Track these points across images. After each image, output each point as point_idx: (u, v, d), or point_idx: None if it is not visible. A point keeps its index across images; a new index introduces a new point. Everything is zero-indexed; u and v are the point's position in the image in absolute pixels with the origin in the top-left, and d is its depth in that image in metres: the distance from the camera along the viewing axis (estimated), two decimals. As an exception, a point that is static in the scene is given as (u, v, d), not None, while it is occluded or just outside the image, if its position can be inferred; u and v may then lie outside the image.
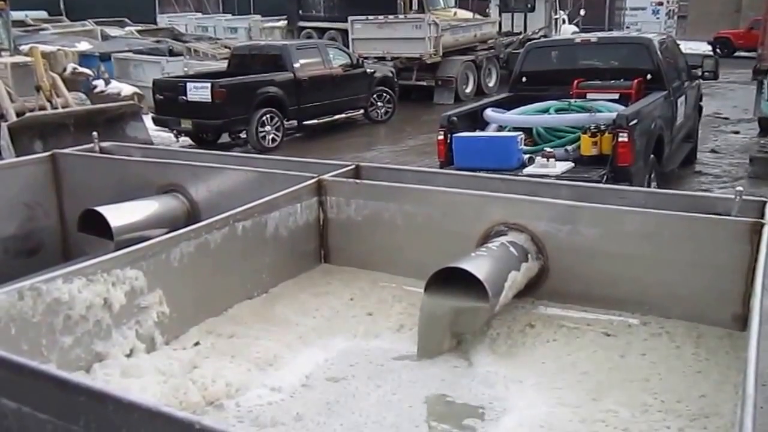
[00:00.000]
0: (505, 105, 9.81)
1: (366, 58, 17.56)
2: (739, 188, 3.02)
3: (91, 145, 4.57)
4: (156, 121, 14.53)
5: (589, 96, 9.46)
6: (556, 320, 3.08)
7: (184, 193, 4.10)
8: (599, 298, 3.10)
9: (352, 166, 3.86)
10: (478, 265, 2.94)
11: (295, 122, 15.24)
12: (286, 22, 26.25)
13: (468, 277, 2.84)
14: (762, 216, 2.91)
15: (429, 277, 2.92)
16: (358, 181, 3.70)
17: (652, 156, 8.79)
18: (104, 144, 4.64)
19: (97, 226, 3.84)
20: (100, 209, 3.80)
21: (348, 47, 18.21)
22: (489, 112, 9.42)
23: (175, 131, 14.76)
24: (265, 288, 3.45)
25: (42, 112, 11.86)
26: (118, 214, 3.86)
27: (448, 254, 3.06)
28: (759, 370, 1.74)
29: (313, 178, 3.63)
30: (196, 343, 2.98)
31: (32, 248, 4.45)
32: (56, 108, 12.61)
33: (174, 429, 1.58)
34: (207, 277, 3.14)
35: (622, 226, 3.06)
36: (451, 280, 2.91)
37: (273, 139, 14.41)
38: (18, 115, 12.06)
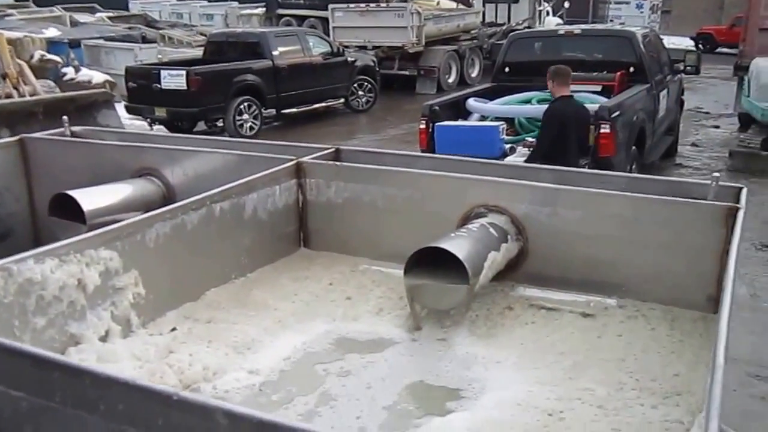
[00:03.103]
0: (488, 95, 9.88)
1: (347, 46, 17.54)
2: (716, 174, 3.12)
3: (62, 129, 4.55)
4: (129, 110, 14.40)
5: (572, 88, 9.52)
6: (535, 302, 3.16)
7: (159, 176, 4.10)
8: (578, 280, 3.18)
9: (333, 149, 3.90)
10: (458, 245, 3.00)
11: (273, 111, 15.21)
12: (264, 9, 26.13)
13: (448, 257, 2.90)
14: (737, 201, 2.99)
15: (408, 258, 2.97)
16: (338, 163, 3.74)
17: (633, 148, 8.92)
18: (75, 128, 4.62)
19: (69, 210, 3.82)
20: (72, 192, 3.78)
21: (328, 35, 18.17)
22: (471, 102, 9.48)
23: (149, 119, 14.68)
24: (243, 272, 3.48)
25: (9, 100, 11.72)
26: (91, 198, 3.85)
27: (428, 237, 3.09)
28: (728, 343, 1.82)
29: (292, 160, 3.66)
30: (173, 329, 3.00)
31: (1, 234, 4.44)
32: (24, 96, 12.54)
33: (152, 402, 1.62)
34: (184, 260, 3.16)
35: (602, 209, 3.13)
36: (432, 261, 2.97)
37: (251, 128, 14.40)
38: (-15, 103, 11.98)
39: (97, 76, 16.73)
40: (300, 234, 3.82)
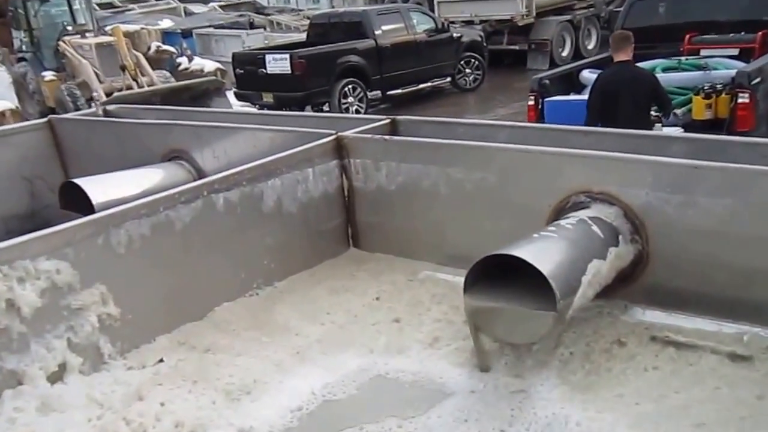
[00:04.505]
0: (605, 66, 8.74)
1: (452, 22, 16.48)
2: None
3: (93, 109, 3.93)
4: (238, 96, 14.12)
5: (703, 53, 8.32)
6: (659, 334, 2.15)
7: (189, 159, 3.39)
8: (724, 302, 2.16)
9: (387, 120, 3.01)
10: (542, 252, 2.05)
11: (378, 93, 14.50)
12: (368, -12, 25.37)
13: (528, 268, 1.94)
14: None
15: (470, 270, 2.03)
16: (386, 137, 2.81)
17: (776, 120, 7.56)
18: (111, 107, 3.99)
19: (85, 201, 3.17)
20: (80, 181, 3.14)
21: (433, 11, 17.19)
22: (586, 74, 8.44)
23: (257, 105, 14.34)
24: (270, 280, 2.68)
25: (129, 92, 11.81)
26: (105, 187, 3.17)
27: (506, 235, 2.20)
28: None
29: (331, 135, 2.79)
30: (160, 360, 2.23)
31: (38, 228, 3.88)
32: (142, 87, 12.61)
33: None
34: (178, 268, 2.40)
35: (764, 196, 2.07)
36: (506, 274, 2.02)
37: (357, 111, 13.74)
38: (107, 95, 12.13)
39: (209, 65, 16.75)
40: (348, 230, 2.94)
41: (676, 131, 6.88)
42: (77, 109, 12.20)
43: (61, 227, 2.11)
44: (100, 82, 12.93)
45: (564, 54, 17.86)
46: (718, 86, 6.94)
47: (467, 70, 15.73)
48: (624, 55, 6.35)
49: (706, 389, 1.91)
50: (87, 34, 14.04)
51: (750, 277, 2.14)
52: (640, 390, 1.93)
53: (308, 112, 3.13)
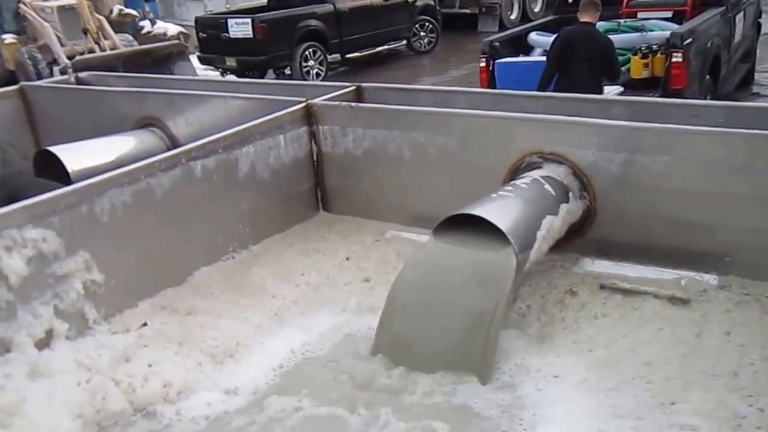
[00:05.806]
0: (551, 28, 8.72)
1: (406, -14, 16.26)
2: None
3: (66, 76, 3.80)
4: (201, 60, 13.69)
5: (640, 15, 8.35)
6: (607, 282, 2.21)
7: (162, 127, 3.30)
8: (664, 250, 2.23)
9: (353, 87, 2.98)
10: (500, 210, 2.08)
11: (338, 56, 14.28)
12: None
13: (487, 226, 1.97)
14: None
15: (434, 230, 2.06)
16: (353, 104, 2.79)
17: (707, 77, 7.66)
18: (82, 74, 3.85)
19: (60, 169, 3.08)
20: (55, 149, 3.04)
21: (388, -24, 16.91)
22: (534, 36, 8.43)
23: (220, 69, 13.98)
24: (245, 244, 2.66)
25: (91, 55, 11.28)
26: (80, 156, 3.07)
27: (467, 195, 2.22)
28: None
29: (301, 102, 2.75)
30: (144, 324, 2.21)
31: (8, 196, 3.77)
32: (104, 50, 12.07)
33: None
34: (157, 234, 2.36)
35: (697, 153, 2.15)
36: (467, 232, 2.05)
37: (317, 74, 13.48)
38: (69, 58, 11.59)
39: (172, 29, 16.12)
40: (317, 194, 2.93)
41: (617, 89, 6.96)
42: (38, 72, 11.57)
43: (46, 196, 2.05)
44: (62, 45, 12.43)
45: (512, 17, 17.77)
46: (654, 47, 6.98)
47: (422, 33, 15.55)
48: (588, 17, 6.38)
49: (650, 331, 1.98)
50: (48, -4, 13.41)
51: (685, 228, 2.21)
52: (591, 337, 1.99)
53: (277, 80, 3.06)
